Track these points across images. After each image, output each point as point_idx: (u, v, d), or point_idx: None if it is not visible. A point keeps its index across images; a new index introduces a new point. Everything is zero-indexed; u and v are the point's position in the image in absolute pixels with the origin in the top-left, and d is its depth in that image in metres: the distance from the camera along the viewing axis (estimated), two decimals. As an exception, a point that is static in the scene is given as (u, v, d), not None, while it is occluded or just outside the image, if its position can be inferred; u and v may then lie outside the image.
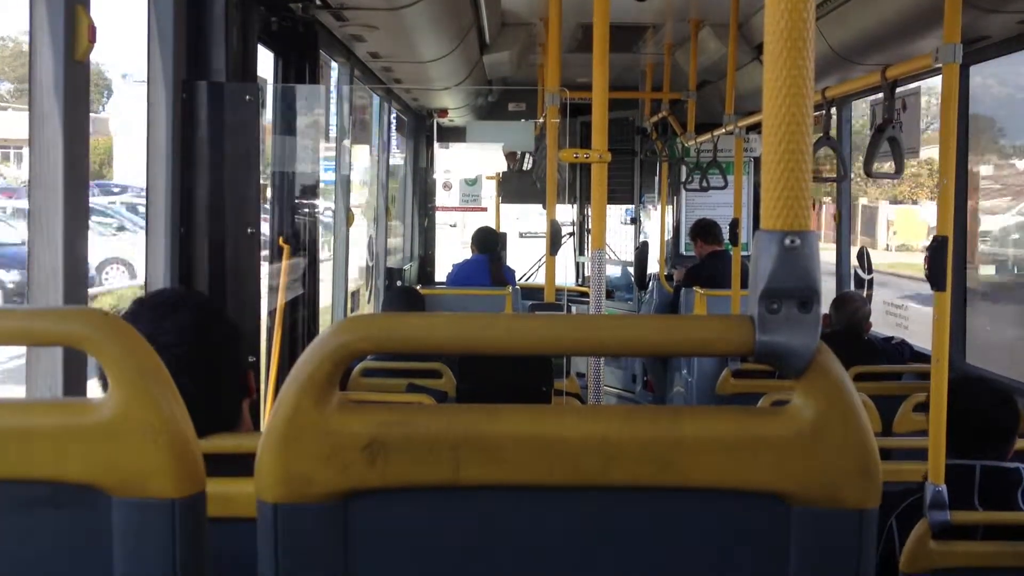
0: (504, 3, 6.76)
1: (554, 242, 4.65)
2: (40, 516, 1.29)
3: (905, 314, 7.75)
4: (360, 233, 8.40)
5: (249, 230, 3.64)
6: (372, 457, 1.23)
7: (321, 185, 5.42)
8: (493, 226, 9.88)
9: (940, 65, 3.01)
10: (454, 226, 11.17)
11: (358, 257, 8.31)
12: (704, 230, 8.41)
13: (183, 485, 1.28)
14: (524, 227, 11.70)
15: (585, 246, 11.33)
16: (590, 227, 3.90)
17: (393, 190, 9.72)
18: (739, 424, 1.24)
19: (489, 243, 8.24)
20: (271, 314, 4.64)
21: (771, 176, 1.20)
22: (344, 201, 6.34)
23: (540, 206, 9.72)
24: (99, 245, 15.82)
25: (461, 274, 8.06)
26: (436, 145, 10.88)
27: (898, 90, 3.72)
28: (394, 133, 9.53)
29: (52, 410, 1.31)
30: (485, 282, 7.78)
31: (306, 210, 5.03)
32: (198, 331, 2.03)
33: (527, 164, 11.03)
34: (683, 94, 7.48)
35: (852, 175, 7.43)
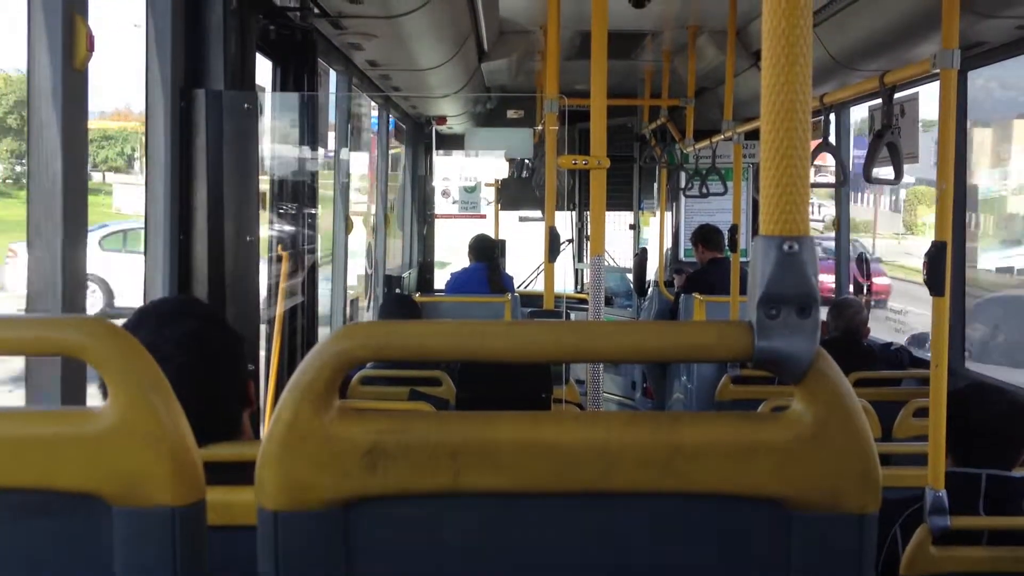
0: (503, 11, 6.77)
1: (553, 249, 4.65)
2: (39, 525, 1.29)
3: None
4: (359, 240, 8.39)
5: (248, 238, 3.64)
6: (372, 464, 1.23)
7: (320, 193, 5.42)
8: (492, 233, 9.88)
9: (938, 71, 3.01)
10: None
11: (357, 265, 8.31)
12: (705, 236, 8.42)
13: (183, 493, 1.28)
14: (523, 212, 11.67)
15: (584, 253, 11.33)
16: (589, 233, 3.90)
17: (392, 198, 9.72)
18: (739, 430, 1.24)
19: (486, 251, 8.22)
20: (270, 322, 4.64)
21: (770, 182, 1.20)
22: (343, 209, 6.34)
23: (539, 212, 9.72)
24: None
25: (459, 283, 8.03)
26: (438, 152, 10.89)
27: (896, 95, 3.72)
28: (392, 140, 9.53)
29: (51, 419, 1.31)
30: (484, 290, 7.75)
31: (305, 218, 5.03)
32: (199, 341, 2.02)
33: (526, 171, 11.04)
34: (681, 101, 7.49)
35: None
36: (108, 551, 1.28)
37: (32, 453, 1.27)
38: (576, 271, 11.69)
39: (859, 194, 35.16)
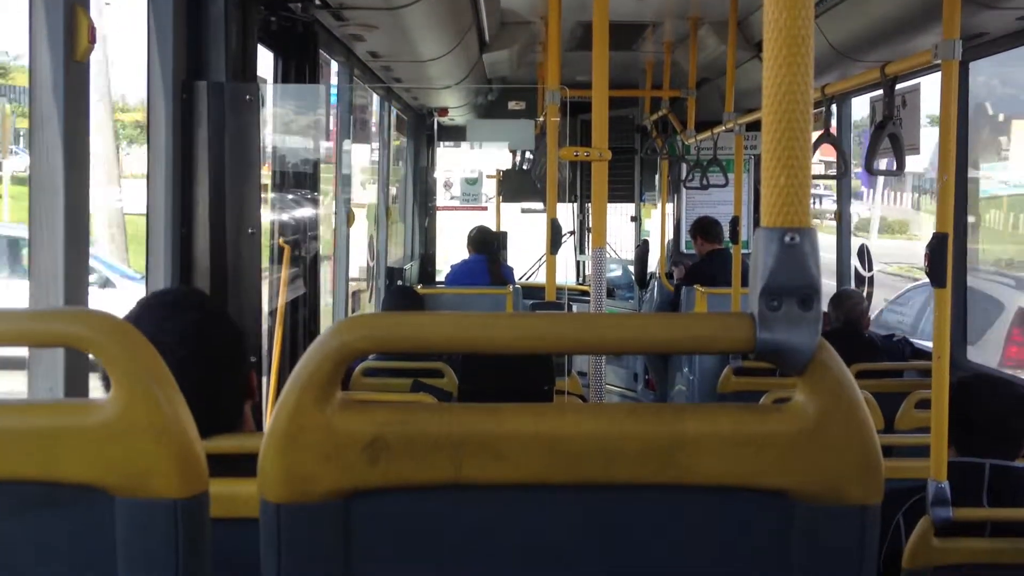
0: (504, 2, 6.76)
1: (555, 241, 4.64)
2: (42, 517, 1.30)
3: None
4: (361, 232, 8.39)
5: (250, 230, 3.64)
6: (374, 456, 1.23)
7: (321, 185, 5.42)
8: (493, 225, 9.88)
9: (940, 61, 3.01)
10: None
11: (359, 257, 8.30)
12: (704, 228, 8.41)
13: (186, 485, 1.29)
14: (524, 204, 11.73)
15: (586, 245, 11.33)
16: (590, 225, 3.90)
17: (395, 186, 9.72)
18: (741, 421, 1.24)
19: (486, 243, 8.21)
20: (272, 314, 4.64)
21: (771, 173, 1.20)
22: (344, 201, 6.34)
23: (540, 204, 9.73)
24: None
25: (460, 275, 8.02)
26: (441, 144, 10.90)
27: (898, 86, 3.72)
28: (394, 132, 9.52)
29: (54, 411, 1.32)
30: (484, 282, 7.75)
31: (307, 210, 5.03)
32: (200, 332, 2.03)
33: (527, 163, 11.04)
34: (683, 92, 7.47)
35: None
36: (111, 543, 1.28)
37: (35, 445, 1.27)
38: (578, 263, 11.69)
39: (892, 192, 34.38)
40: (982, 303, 10.64)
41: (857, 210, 36.15)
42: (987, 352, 9.35)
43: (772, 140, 1.19)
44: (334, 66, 6.29)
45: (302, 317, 4.92)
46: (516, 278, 8.86)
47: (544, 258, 5.76)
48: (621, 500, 1.25)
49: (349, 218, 6.46)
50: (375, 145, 8.98)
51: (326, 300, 6.20)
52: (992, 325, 10.27)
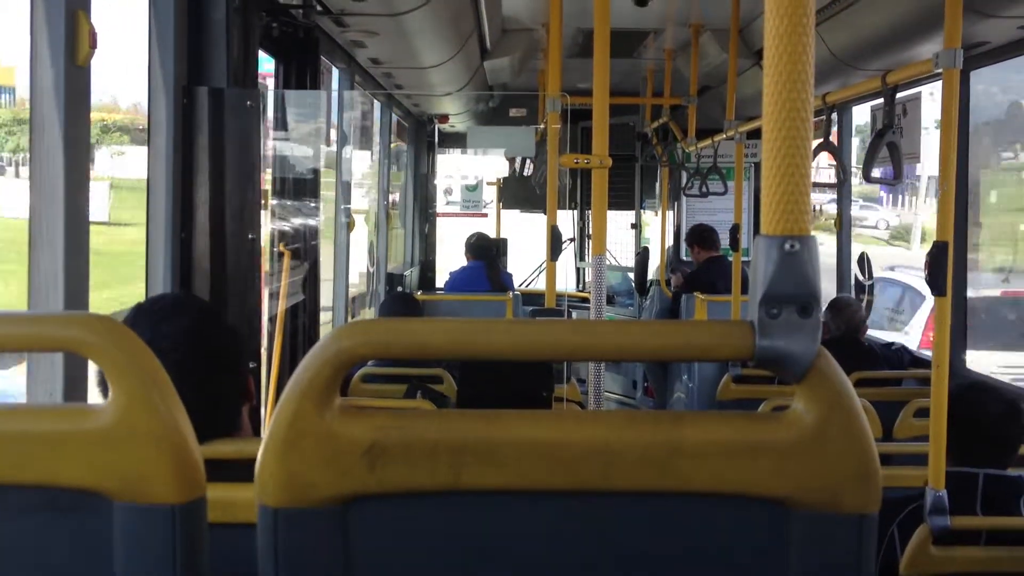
0: (505, 9, 6.76)
1: (555, 248, 4.64)
2: (40, 522, 1.30)
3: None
4: (361, 238, 8.40)
5: (250, 236, 3.64)
6: (372, 462, 1.23)
7: (322, 190, 5.42)
8: (493, 232, 9.88)
9: (940, 70, 3.01)
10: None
11: (359, 263, 8.31)
12: (701, 236, 8.42)
13: (184, 490, 1.28)
14: (524, 210, 11.73)
15: (586, 252, 11.33)
16: (591, 232, 3.89)
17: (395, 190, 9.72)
18: (740, 429, 1.24)
19: (485, 249, 8.20)
20: (272, 320, 4.64)
21: (771, 181, 1.20)
22: (344, 207, 6.34)
23: (540, 211, 9.72)
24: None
25: (459, 282, 8.01)
26: (447, 151, 10.91)
27: (899, 95, 3.71)
28: (395, 138, 9.53)
29: (53, 415, 1.31)
30: (483, 288, 7.75)
31: (307, 215, 5.03)
32: (196, 336, 2.03)
33: (528, 170, 11.04)
34: (684, 99, 7.47)
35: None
36: (109, 547, 1.28)
37: (33, 450, 1.27)
38: (578, 270, 11.69)
39: (917, 198, 33.75)
40: (908, 294, 12.26)
41: (885, 216, 35.95)
42: (909, 338, 10.77)
43: (772, 148, 1.19)
44: (335, 72, 6.29)
45: (302, 323, 4.92)
46: (516, 285, 8.86)
47: (544, 265, 5.76)
48: (619, 507, 1.25)
49: (349, 224, 6.46)
50: (376, 151, 8.98)
51: (326, 306, 6.20)
52: (915, 314, 11.97)
